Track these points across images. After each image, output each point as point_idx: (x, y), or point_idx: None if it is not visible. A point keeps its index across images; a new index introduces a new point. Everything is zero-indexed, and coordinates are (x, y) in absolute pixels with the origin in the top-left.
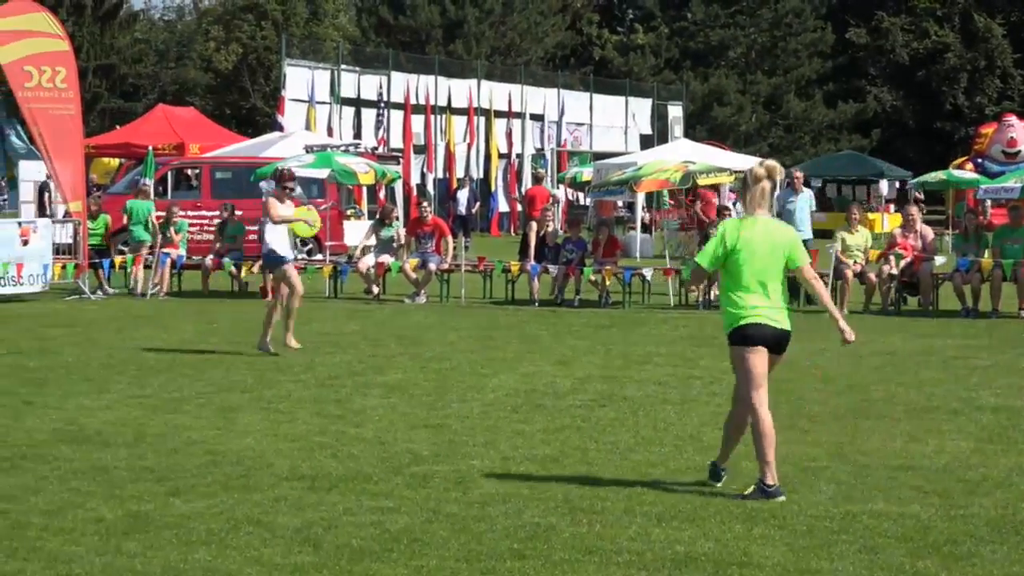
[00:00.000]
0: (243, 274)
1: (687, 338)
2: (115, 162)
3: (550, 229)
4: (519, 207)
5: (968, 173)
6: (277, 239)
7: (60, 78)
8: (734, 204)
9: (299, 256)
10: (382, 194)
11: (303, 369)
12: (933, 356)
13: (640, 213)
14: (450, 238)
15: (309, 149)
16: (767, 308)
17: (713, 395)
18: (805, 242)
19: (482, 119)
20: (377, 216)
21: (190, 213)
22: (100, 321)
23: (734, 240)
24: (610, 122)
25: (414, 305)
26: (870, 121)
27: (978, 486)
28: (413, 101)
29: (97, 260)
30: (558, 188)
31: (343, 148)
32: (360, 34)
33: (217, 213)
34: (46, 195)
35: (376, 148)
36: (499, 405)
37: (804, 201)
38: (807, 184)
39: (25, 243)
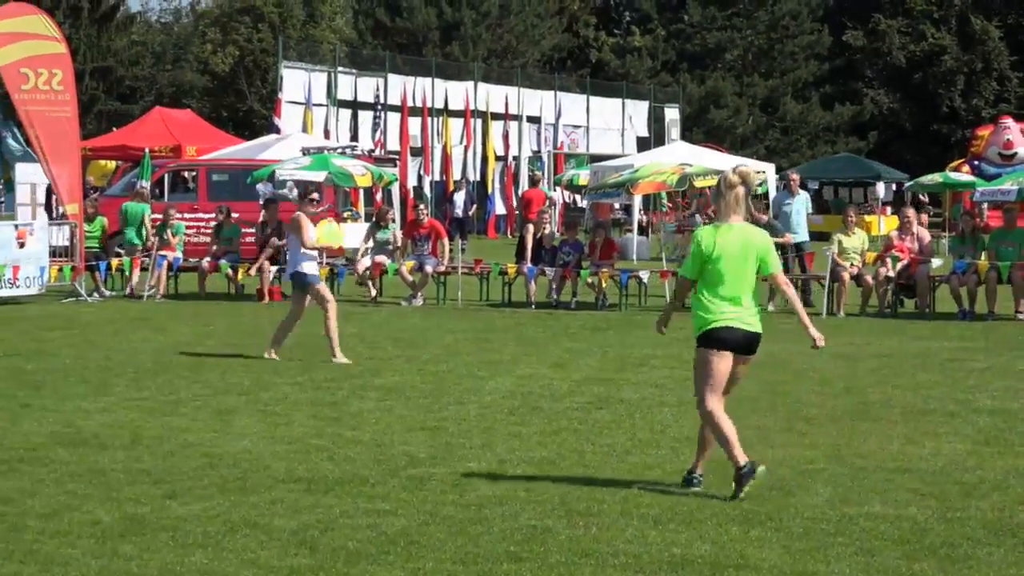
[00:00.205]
0: (239, 276)
1: (684, 340)
2: (112, 164)
3: (547, 231)
4: (516, 210)
5: (965, 175)
6: (305, 258)
7: (57, 80)
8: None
9: None
10: (379, 196)
11: (299, 372)
12: (930, 358)
13: (637, 215)
14: (446, 240)
15: (306, 151)
16: (738, 312)
17: None
18: (802, 244)
19: (479, 121)
20: (373, 218)
21: (187, 215)
22: (97, 323)
23: (710, 247)
24: (607, 124)
25: (411, 308)
26: (867, 123)
27: (975, 488)
28: (410, 103)
29: (94, 262)
30: (555, 190)
31: (340, 150)
32: (357, 36)
33: (214, 215)
34: (53, 197)
35: (373, 150)
36: (496, 407)
37: (800, 203)
38: (804, 186)
39: (22, 246)
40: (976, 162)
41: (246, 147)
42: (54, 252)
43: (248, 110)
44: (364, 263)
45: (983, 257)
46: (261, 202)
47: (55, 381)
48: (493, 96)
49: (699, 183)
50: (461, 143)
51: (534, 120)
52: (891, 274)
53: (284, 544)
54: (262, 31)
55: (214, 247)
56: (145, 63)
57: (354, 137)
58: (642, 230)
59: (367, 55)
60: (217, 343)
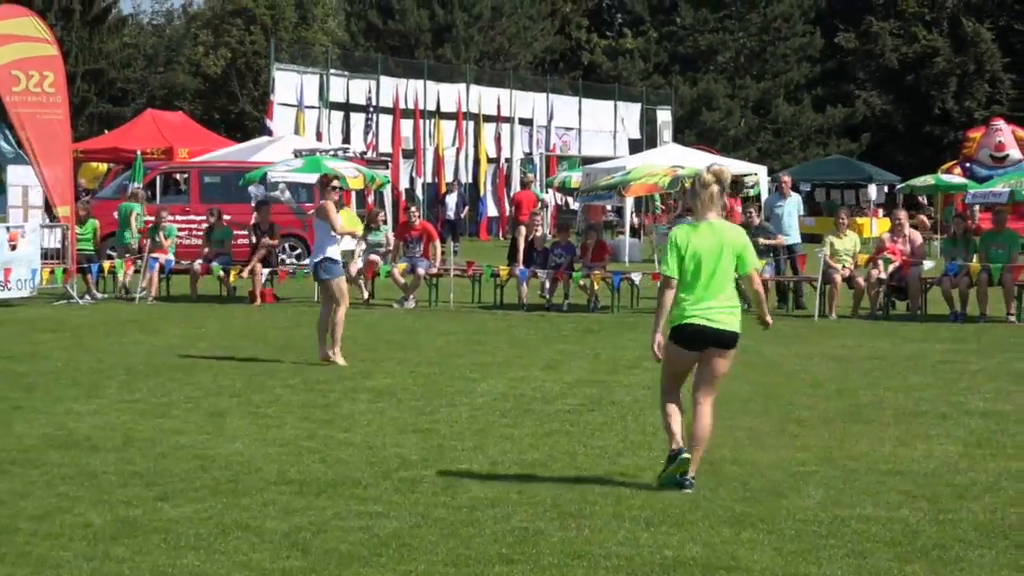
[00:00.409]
0: (231, 279)
1: None
2: (104, 167)
3: (539, 233)
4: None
5: (957, 177)
6: (332, 242)
7: (48, 83)
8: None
9: (288, 260)
10: (371, 199)
11: (292, 374)
12: (921, 360)
13: (629, 217)
14: (438, 243)
15: (298, 153)
16: (710, 310)
17: None
18: (793, 246)
19: (471, 123)
20: (364, 221)
21: (178, 218)
22: (89, 326)
23: (685, 245)
24: (599, 126)
25: (403, 310)
26: (859, 125)
27: (966, 490)
28: (402, 105)
29: (86, 265)
30: (547, 193)
31: (332, 152)
32: (349, 38)
33: (205, 218)
34: None
35: (365, 152)
36: (488, 410)
37: (792, 205)
38: (795, 188)
39: (13, 248)
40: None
41: (238, 149)
42: (46, 254)
43: (240, 112)
44: (357, 265)
45: (975, 259)
46: (253, 204)
47: (47, 383)
48: (485, 98)
49: (689, 185)
50: (453, 145)
51: (526, 122)
52: (883, 276)
53: (276, 546)
54: (254, 33)
55: (206, 249)
56: (137, 65)
57: (346, 139)
58: (634, 232)
59: (359, 57)
60: (209, 345)
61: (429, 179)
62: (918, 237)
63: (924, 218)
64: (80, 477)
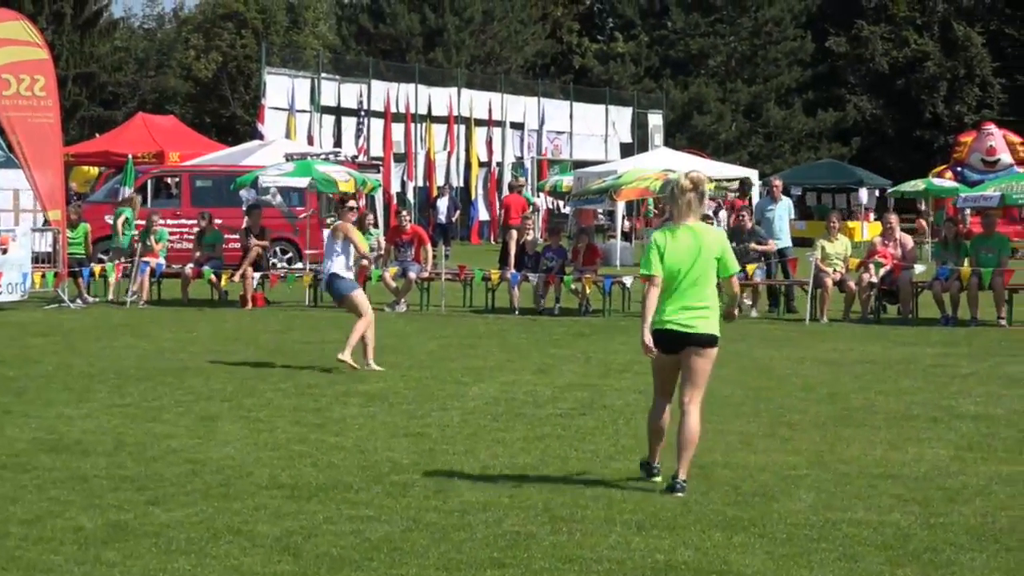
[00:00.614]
0: (223, 283)
1: None
2: (95, 171)
3: (530, 237)
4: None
5: (947, 182)
6: (340, 262)
7: (39, 86)
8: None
9: (279, 264)
10: (362, 202)
11: (283, 378)
12: (913, 364)
13: (620, 221)
14: (429, 247)
15: (289, 157)
16: (684, 313)
17: None
18: (784, 250)
19: (462, 127)
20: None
21: (169, 222)
22: (80, 330)
23: (663, 247)
24: (590, 130)
25: (394, 314)
26: (850, 129)
27: (958, 494)
28: (393, 109)
29: (77, 269)
30: (538, 196)
31: (323, 156)
32: (340, 42)
33: (196, 221)
34: None
35: (356, 156)
36: (479, 414)
37: (783, 209)
38: (787, 192)
39: (4, 251)
40: (959, 168)
41: (229, 153)
42: (37, 258)
43: (231, 116)
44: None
45: (965, 263)
46: (244, 208)
47: (38, 387)
48: (476, 102)
49: None
50: (444, 149)
51: (517, 126)
52: (874, 280)
53: (267, 551)
54: (245, 37)
55: (197, 253)
56: (128, 69)
57: (337, 143)
58: (625, 236)
59: (350, 61)
60: (200, 349)
61: (420, 183)
62: (909, 241)
63: (923, 222)
64: (71, 481)
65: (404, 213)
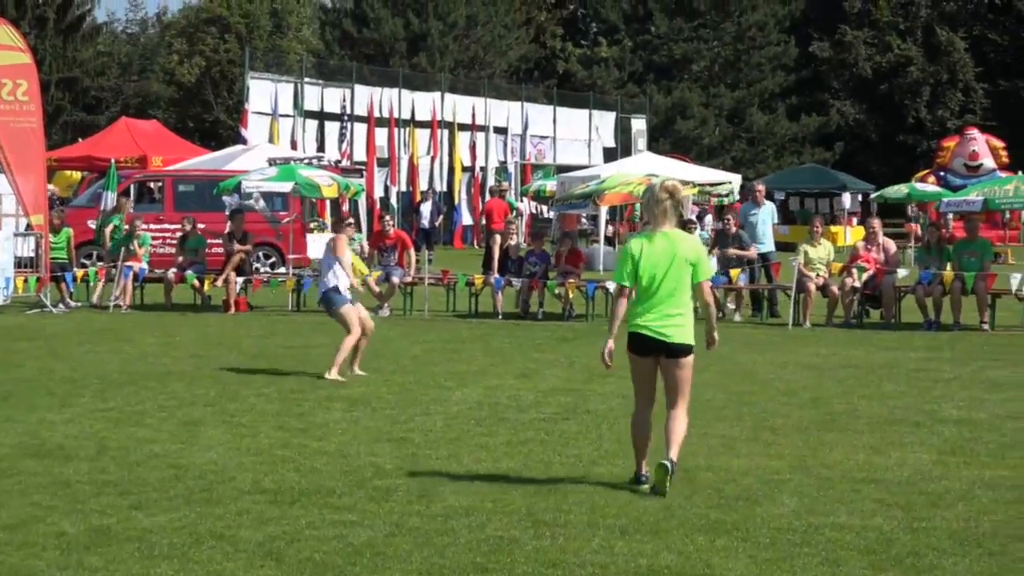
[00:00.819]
0: (205, 287)
1: None
2: (78, 175)
3: (513, 242)
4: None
5: (930, 186)
6: (333, 276)
7: (22, 91)
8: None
9: (262, 269)
10: (345, 207)
11: (266, 383)
12: (895, 369)
13: (603, 226)
14: (413, 251)
15: (272, 162)
16: (660, 319)
17: None
18: (767, 255)
19: (446, 132)
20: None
21: (152, 226)
22: (62, 335)
23: (639, 254)
24: (574, 135)
25: (377, 318)
26: (833, 134)
27: (940, 498)
28: (377, 114)
29: (60, 273)
30: (522, 201)
31: (306, 161)
32: (324, 47)
33: (180, 226)
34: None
35: (339, 161)
36: (462, 418)
37: (766, 214)
38: (770, 197)
39: None
40: (942, 173)
41: (212, 158)
42: (19, 263)
43: (214, 121)
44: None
45: (948, 268)
46: (227, 213)
47: (20, 392)
48: (460, 107)
49: None
50: (428, 154)
51: (501, 131)
52: (857, 284)
53: (250, 556)
54: (228, 41)
55: (180, 258)
56: (111, 73)
57: (321, 148)
58: (609, 241)
59: (334, 66)
60: (183, 354)
61: (404, 187)
62: (892, 246)
63: (917, 227)
64: (54, 486)
65: (387, 218)
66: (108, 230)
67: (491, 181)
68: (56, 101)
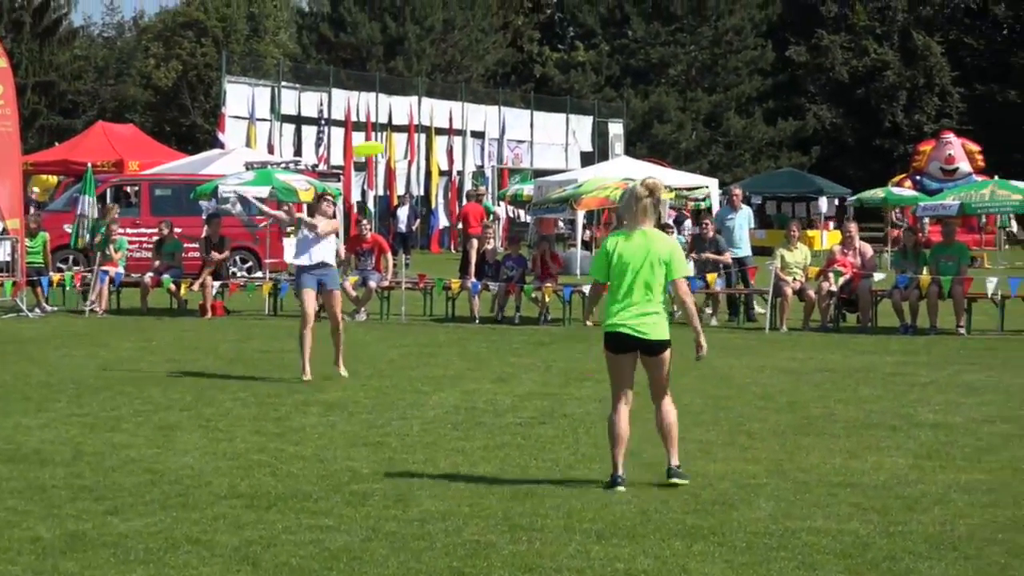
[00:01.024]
0: (182, 292)
1: None
2: (54, 179)
3: (490, 246)
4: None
5: (907, 190)
6: (304, 255)
7: None
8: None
9: (239, 273)
10: None
11: (242, 387)
12: (872, 373)
13: (580, 230)
14: (390, 255)
15: (249, 166)
16: (634, 317)
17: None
18: (744, 259)
19: (423, 136)
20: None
21: (129, 231)
22: (38, 339)
23: (614, 251)
24: (551, 139)
25: (354, 323)
26: (810, 138)
27: (916, 502)
28: (354, 118)
29: (36, 278)
30: (499, 205)
31: (283, 165)
32: (301, 51)
33: (156, 230)
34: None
35: (316, 165)
36: (439, 422)
37: (743, 218)
38: (747, 201)
39: None
40: (918, 177)
41: (189, 162)
42: None
43: (191, 125)
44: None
45: (925, 272)
46: (204, 217)
47: None
48: (437, 111)
49: None
50: (405, 158)
51: (478, 135)
52: (833, 288)
53: (226, 560)
54: (205, 45)
55: (156, 262)
56: (88, 77)
57: (298, 152)
58: (586, 245)
59: (311, 70)
60: (159, 359)
61: (381, 192)
62: (868, 250)
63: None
64: (29, 491)
65: (364, 222)
66: (97, 240)
67: (468, 185)
68: (32, 105)
